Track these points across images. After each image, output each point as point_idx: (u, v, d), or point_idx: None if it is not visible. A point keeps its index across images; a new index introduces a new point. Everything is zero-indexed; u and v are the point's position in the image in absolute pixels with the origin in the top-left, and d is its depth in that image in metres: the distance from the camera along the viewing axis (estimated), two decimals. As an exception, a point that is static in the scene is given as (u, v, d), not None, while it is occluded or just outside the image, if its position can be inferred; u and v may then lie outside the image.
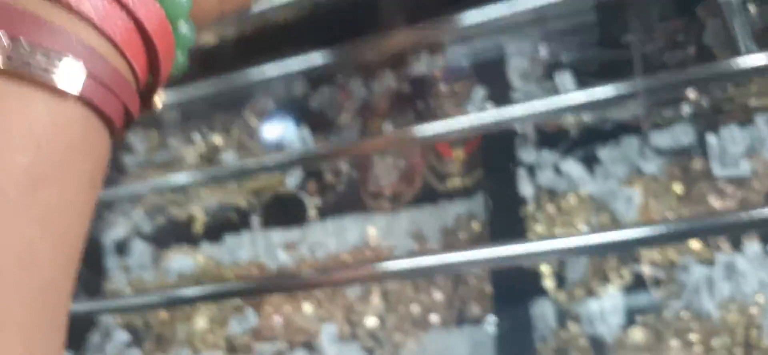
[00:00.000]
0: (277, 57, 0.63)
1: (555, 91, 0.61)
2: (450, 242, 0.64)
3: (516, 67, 0.64)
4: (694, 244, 0.56)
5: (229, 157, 0.74)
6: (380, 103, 0.69)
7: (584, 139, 0.61)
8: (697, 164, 0.58)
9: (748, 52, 0.30)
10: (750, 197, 0.55)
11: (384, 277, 0.39)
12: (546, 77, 0.63)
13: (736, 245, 0.54)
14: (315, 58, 0.56)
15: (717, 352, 0.52)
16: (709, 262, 0.54)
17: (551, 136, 0.62)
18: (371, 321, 0.63)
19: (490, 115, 0.37)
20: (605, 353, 0.54)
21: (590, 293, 0.57)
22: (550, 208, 0.61)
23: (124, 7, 0.22)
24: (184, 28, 0.25)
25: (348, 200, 0.70)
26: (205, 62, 0.66)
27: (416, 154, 0.68)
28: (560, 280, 0.58)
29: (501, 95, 0.64)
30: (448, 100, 0.67)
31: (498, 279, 0.59)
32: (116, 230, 0.78)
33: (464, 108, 0.66)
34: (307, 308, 0.66)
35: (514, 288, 0.59)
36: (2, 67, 0.20)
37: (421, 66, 0.68)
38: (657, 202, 0.57)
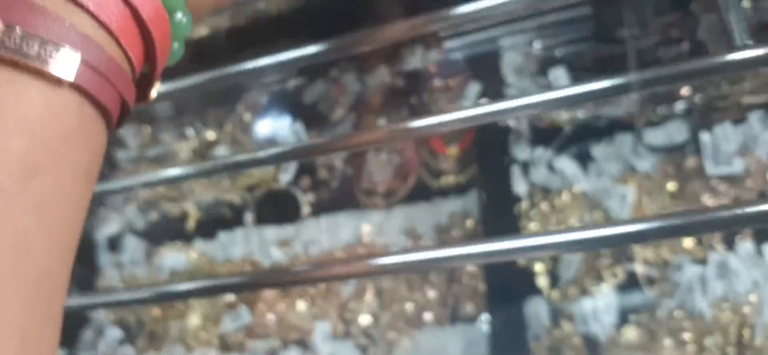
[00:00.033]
0: (270, 50, 0.63)
1: (549, 86, 0.61)
2: (444, 240, 0.64)
3: (510, 62, 0.64)
4: (688, 243, 0.56)
5: (222, 153, 0.74)
6: (374, 98, 0.69)
7: (578, 137, 0.61)
8: (690, 162, 0.58)
9: (744, 46, 0.30)
10: (743, 195, 0.55)
11: (376, 272, 0.39)
12: (540, 73, 0.63)
13: (730, 245, 0.54)
14: (309, 50, 0.56)
15: (710, 351, 0.52)
16: (703, 261, 0.55)
17: (545, 133, 0.62)
18: (365, 319, 0.63)
19: (483, 109, 0.37)
20: (599, 351, 0.54)
21: (584, 291, 0.57)
22: (544, 205, 0.61)
23: (120, -5, 0.22)
24: (180, 16, 0.25)
25: (342, 197, 0.69)
26: (198, 55, 0.66)
27: (410, 151, 0.68)
28: (554, 279, 0.58)
29: (495, 91, 0.64)
30: (443, 96, 0.67)
31: (492, 277, 0.59)
32: (109, 226, 0.77)
33: (459, 104, 0.66)
34: (301, 305, 0.66)
35: (507, 287, 0.59)
36: (-3, 54, 0.20)
37: (415, 61, 0.68)
38: (650, 200, 0.57)
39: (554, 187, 0.61)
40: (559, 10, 0.62)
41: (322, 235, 0.68)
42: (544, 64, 0.63)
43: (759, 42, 0.30)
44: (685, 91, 0.58)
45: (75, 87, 0.21)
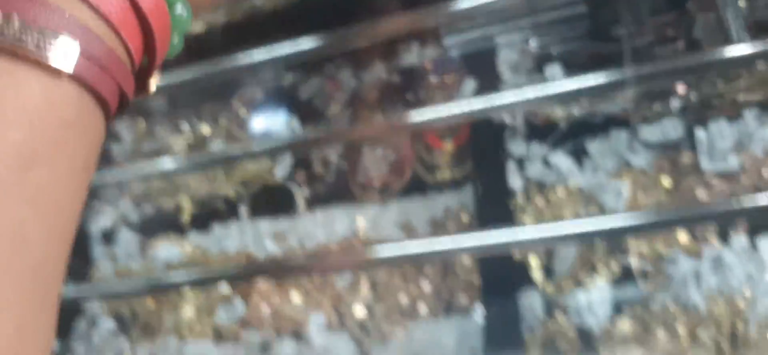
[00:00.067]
0: (266, 45, 0.63)
1: (545, 84, 0.61)
2: (439, 234, 0.64)
3: (506, 59, 0.64)
4: (682, 237, 0.56)
5: (217, 148, 0.74)
6: (370, 94, 0.69)
7: (573, 132, 0.61)
8: (685, 158, 0.58)
9: (741, 41, 0.30)
10: (738, 192, 0.55)
11: (371, 265, 0.39)
12: (536, 70, 0.63)
13: (724, 239, 0.55)
14: (304, 44, 0.56)
15: (704, 344, 0.52)
16: (697, 255, 0.55)
17: (540, 128, 0.63)
18: (359, 311, 0.64)
19: (479, 103, 0.37)
20: (593, 344, 0.55)
21: (578, 284, 0.57)
22: (539, 200, 0.61)
23: (120, -14, 0.22)
24: (180, 9, 0.25)
25: (337, 191, 0.69)
26: (194, 50, 0.66)
27: (406, 146, 0.68)
28: (548, 271, 0.58)
29: (491, 88, 0.64)
30: (439, 93, 0.67)
31: (486, 270, 0.60)
32: (103, 219, 0.77)
33: (454, 101, 0.66)
34: (296, 297, 0.66)
35: (502, 279, 0.59)
36: (-5, 44, 0.20)
37: (411, 57, 0.68)
38: (645, 195, 0.57)
39: (549, 182, 0.61)
40: (556, 8, 0.62)
41: (318, 228, 0.68)
42: (540, 62, 0.63)
43: (755, 39, 0.30)
44: (680, 88, 0.58)
45: (74, 78, 0.21)
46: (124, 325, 0.71)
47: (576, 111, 0.61)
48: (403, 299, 0.63)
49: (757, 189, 0.55)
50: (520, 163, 0.62)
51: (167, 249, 0.73)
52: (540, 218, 0.60)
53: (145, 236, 0.75)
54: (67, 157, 0.22)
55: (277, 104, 0.73)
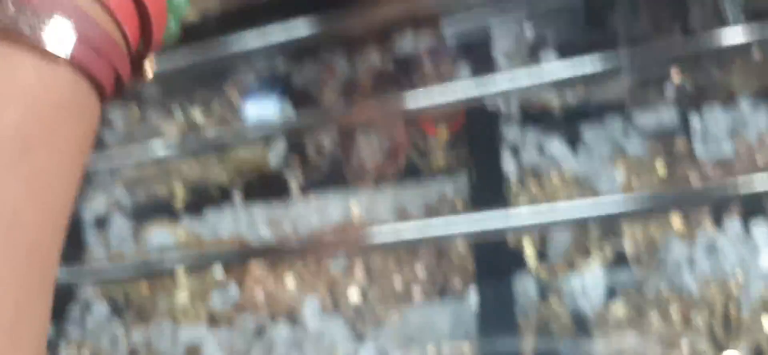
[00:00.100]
0: (260, 32, 0.63)
1: (540, 71, 0.61)
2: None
3: (501, 47, 0.64)
4: (676, 222, 0.56)
5: (211, 134, 0.73)
6: (364, 81, 0.69)
7: (568, 119, 0.61)
8: (680, 145, 0.58)
9: (737, 23, 0.30)
10: (732, 176, 0.55)
11: (366, 250, 0.39)
12: (531, 57, 0.63)
13: (718, 223, 0.55)
14: (299, 30, 0.56)
15: (697, 327, 0.52)
16: (691, 239, 0.55)
17: (535, 115, 0.63)
18: (354, 295, 0.64)
19: (473, 89, 0.37)
20: (587, 327, 0.55)
21: (572, 268, 0.57)
22: (534, 186, 0.61)
23: (116, -31, 0.22)
24: (177, -6, 0.24)
25: (331, 177, 0.69)
26: (187, 35, 0.65)
27: (400, 132, 0.68)
28: (542, 255, 0.59)
29: (486, 74, 0.64)
30: (434, 80, 0.67)
31: (480, 254, 0.60)
32: (96, 205, 0.77)
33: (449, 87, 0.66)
34: (290, 282, 0.66)
35: (496, 263, 0.59)
36: (-9, 26, 0.19)
37: (406, 44, 0.68)
38: (640, 181, 0.58)
39: (544, 168, 0.61)
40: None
41: (312, 214, 0.68)
42: (535, 49, 0.63)
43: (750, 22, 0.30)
44: (675, 75, 0.58)
45: (69, 61, 0.21)
46: (118, 309, 0.71)
47: (570, 98, 0.61)
48: (398, 283, 0.63)
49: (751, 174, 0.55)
50: (515, 149, 0.62)
51: (160, 235, 0.73)
52: (534, 204, 0.60)
53: (138, 222, 0.75)
54: (62, 139, 0.21)
55: (270, 90, 0.73)
